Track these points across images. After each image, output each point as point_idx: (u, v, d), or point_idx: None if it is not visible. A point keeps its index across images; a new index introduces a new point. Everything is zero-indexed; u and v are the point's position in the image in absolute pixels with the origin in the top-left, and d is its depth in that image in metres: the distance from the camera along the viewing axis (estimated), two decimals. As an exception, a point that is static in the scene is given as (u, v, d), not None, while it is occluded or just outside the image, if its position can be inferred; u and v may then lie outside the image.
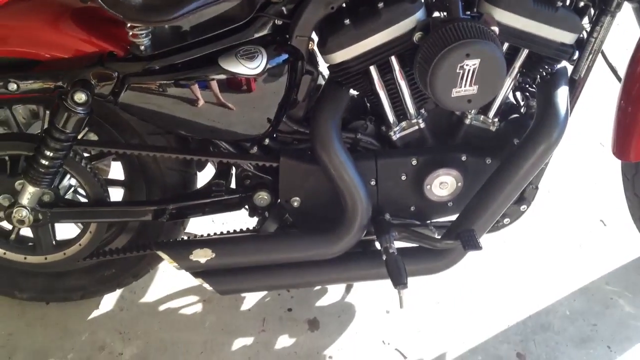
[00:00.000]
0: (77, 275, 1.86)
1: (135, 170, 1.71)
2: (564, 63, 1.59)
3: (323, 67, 1.58)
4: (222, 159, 1.62)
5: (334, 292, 1.96)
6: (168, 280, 2.01)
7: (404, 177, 1.63)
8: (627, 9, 1.61)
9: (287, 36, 1.48)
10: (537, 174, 1.68)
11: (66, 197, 1.69)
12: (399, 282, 1.49)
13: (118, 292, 1.97)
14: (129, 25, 1.40)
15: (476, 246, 1.52)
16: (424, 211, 1.70)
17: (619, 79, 1.68)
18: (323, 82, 1.63)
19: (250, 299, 1.95)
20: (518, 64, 1.54)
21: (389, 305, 1.92)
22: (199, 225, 1.93)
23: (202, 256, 1.59)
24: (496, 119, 1.63)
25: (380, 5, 1.44)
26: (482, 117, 1.63)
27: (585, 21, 1.56)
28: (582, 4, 1.53)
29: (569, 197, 2.23)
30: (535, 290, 1.95)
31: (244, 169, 1.66)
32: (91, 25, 1.46)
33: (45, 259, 1.74)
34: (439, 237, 1.63)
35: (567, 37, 1.50)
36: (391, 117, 1.59)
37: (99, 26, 1.46)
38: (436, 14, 1.51)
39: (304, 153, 1.63)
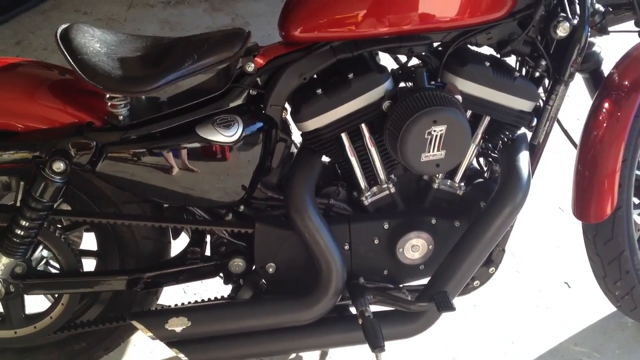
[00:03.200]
0: (46, 349, 1.81)
1: (109, 240, 1.71)
2: (524, 130, 1.68)
3: (296, 135, 1.64)
4: (198, 226, 1.64)
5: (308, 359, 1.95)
6: (140, 354, 1.97)
7: (376, 241, 1.67)
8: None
9: (262, 105, 1.54)
10: (504, 237, 1.75)
11: (38, 268, 1.67)
12: (377, 345, 1.50)
13: (88, 367, 1.92)
14: (108, 96, 1.44)
15: (450, 307, 1.55)
16: (397, 274, 1.73)
17: (574, 145, 1.78)
18: (296, 150, 1.68)
19: (224, 370, 1.92)
20: (481, 130, 1.62)
21: (364, 372, 1.91)
22: (172, 297, 1.92)
23: (178, 325, 1.58)
24: (462, 184, 1.70)
25: (350, 75, 1.52)
26: (449, 182, 1.69)
27: (542, 90, 1.67)
28: (537, 74, 1.63)
29: (533, 260, 2.29)
30: (506, 354, 1.98)
31: (219, 236, 1.68)
32: (70, 97, 1.50)
33: (15, 333, 1.70)
34: (413, 299, 1.66)
35: (525, 105, 1.59)
36: (362, 182, 1.65)
37: (78, 97, 1.51)
38: (403, 84, 1.60)
39: (278, 219, 1.66)
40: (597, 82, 1.80)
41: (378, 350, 1.51)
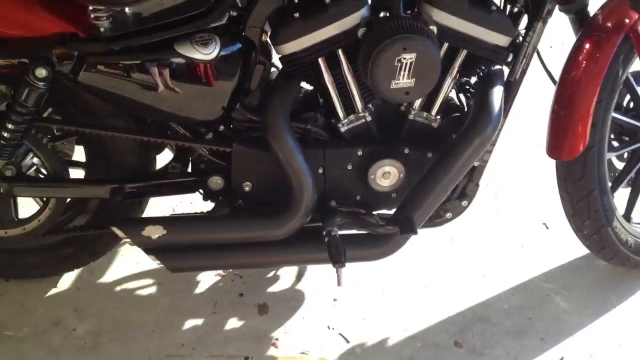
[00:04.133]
0: (36, 252, 1.93)
1: (96, 152, 1.79)
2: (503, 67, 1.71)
3: (277, 60, 1.68)
4: (178, 142, 1.71)
5: (285, 280, 2.04)
6: (126, 264, 2.09)
7: (349, 167, 1.73)
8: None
9: (241, 27, 1.58)
10: (477, 171, 1.79)
11: (28, 174, 1.77)
12: (338, 261, 1.58)
13: (77, 273, 2.04)
14: (90, 8, 1.49)
15: (412, 230, 1.62)
16: (369, 201, 1.79)
17: (554, 82, 1.80)
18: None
19: (204, 284, 2.03)
20: (457, 64, 1.65)
21: (336, 294, 2.00)
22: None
23: (153, 232, 1.67)
24: (438, 117, 1.73)
25: (328, 0, 1.54)
26: (425, 114, 1.73)
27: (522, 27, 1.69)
28: (515, 9, 1.64)
29: (515, 201, 2.34)
30: (476, 285, 2.05)
31: (200, 154, 1.75)
32: (56, 8, 1.55)
33: (6, 232, 1.80)
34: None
35: (500, 40, 1.61)
36: (340, 109, 1.69)
37: (64, 8, 1.55)
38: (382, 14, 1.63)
39: (256, 140, 1.71)
40: (582, 23, 1.79)
41: (338, 266, 1.58)
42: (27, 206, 1.89)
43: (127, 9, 1.55)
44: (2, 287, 1.99)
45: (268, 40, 1.64)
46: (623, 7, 1.71)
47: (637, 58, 1.77)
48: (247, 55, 1.60)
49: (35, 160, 1.77)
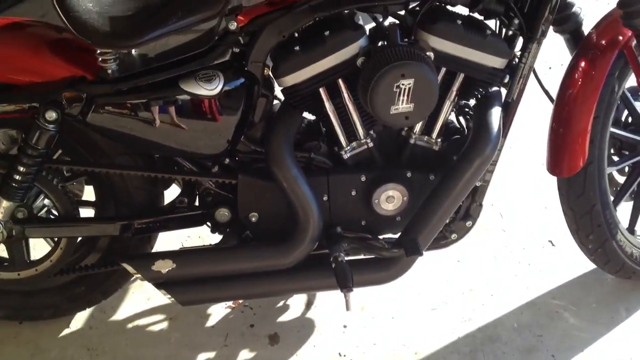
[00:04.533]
0: (48, 293, 1.95)
1: (105, 191, 1.83)
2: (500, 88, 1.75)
3: (279, 93, 1.72)
4: (185, 177, 1.75)
5: (294, 309, 2.06)
6: (137, 300, 2.10)
7: (354, 193, 1.76)
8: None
9: (244, 62, 1.63)
10: (479, 191, 1.82)
11: (39, 215, 1.80)
12: (345, 286, 1.60)
13: (89, 312, 2.06)
14: (98, 51, 1.54)
15: (417, 252, 1.64)
16: (374, 225, 1.81)
17: (552, 100, 1.84)
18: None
19: (215, 316, 2.04)
20: (455, 87, 1.69)
21: (346, 321, 2.02)
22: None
23: (163, 267, 1.69)
24: (439, 140, 1.77)
25: (327, 33, 1.59)
26: (425, 138, 1.76)
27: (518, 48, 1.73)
28: (511, 32, 1.69)
29: (520, 220, 2.36)
30: (485, 305, 2.06)
31: (206, 187, 1.78)
32: (65, 53, 1.61)
33: (19, 274, 1.83)
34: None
35: (497, 62, 1.65)
36: (342, 137, 1.72)
37: (72, 53, 1.61)
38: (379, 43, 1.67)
39: (261, 171, 1.75)
40: (577, 42, 1.84)
41: (346, 291, 1.61)
42: (37, 247, 1.92)
43: (133, 51, 1.60)
44: (15, 329, 2.01)
45: (270, 73, 1.68)
46: (616, 25, 1.75)
47: (633, 74, 1.81)
48: (250, 89, 1.65)
49: (46, 201, 1.81)
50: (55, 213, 1.82)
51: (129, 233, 1.75)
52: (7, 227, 1.69)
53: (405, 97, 1.55)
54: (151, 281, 1.72)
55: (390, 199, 1.75)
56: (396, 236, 1.82)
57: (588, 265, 2.13)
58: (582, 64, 1.78)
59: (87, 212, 1.90)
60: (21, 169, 1.60)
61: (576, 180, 1.81)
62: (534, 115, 2.27)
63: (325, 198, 1.75)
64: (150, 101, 1.57)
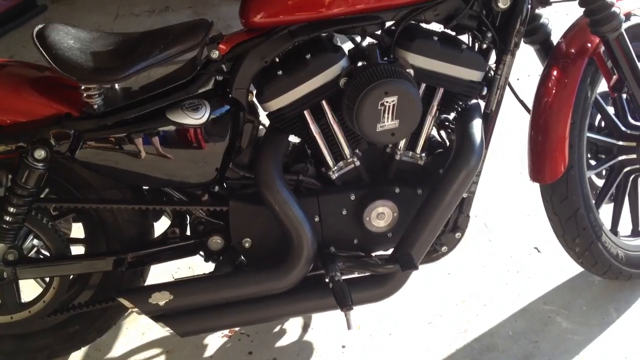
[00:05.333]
0: (42, 334, 1.92)
1: (94, 227, 1.82)
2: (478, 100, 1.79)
3: (264, 117, 1.75)
4: (175, 207, 1.75)
5: (292, 332, 2.06)
6: (132, 336, 2.08)
7: (344, 212, 1.78)
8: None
9: (228, 89, 1.65)
10: (466, 203, 1.86)
11: (29, 256, 1.78)
12: (345, 304, 1.61)
13: (83, 351, 2.03)
14: (83, 87, 1.56)
15: (413, 266, 1.66)
16: (366, 243, 1.83)
17: (528, 111, 1.89)
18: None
19: (212, 346, 2.03)
20: (436, 101, 1.73)
21: (344, 341, 2.02)
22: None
23: (161, 299, 1.69)
24: (423, 154, 1.80)
25: (308, 56, 1.63)
26: (410, 153, 1.80)
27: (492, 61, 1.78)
28: (485, 46, 1.74)
29: (505, 230, 2.40)
30: (479, 316, 2.08)
31: (197, 216, 1.79)
32: (49, 91, 1.62)
33: (11, 318, 1.80)
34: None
35: (474, 75, 1.70)
36: (328, 158, 1.75)
37: (57, 91, 1.62)
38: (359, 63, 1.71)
39: (251, 196, 1.76)
40: (547, 52, 1.91)
41: (346, 309, 1.61)
42: (26, 289, 1.90)
43: (117, 85, 1.62)
44: (9, 374, 1.97)
45: (254, 99, 1.71)
46: (584, 33, 1.82)
47: (603, 79, 1.87)
48: (236, 116, 1.67)
49: (36, 241, 1.80)
50: (45, 253, 1.81)
51: (123, 267, 1.74)
52: (-2, 268, 1.67)
53: (390, 114, 1.59)
54: (149, 314, 1.71)
55: (380, 215, 1.77)
56: (388, 253, 1.84)
57: (575, 269, 2.17)
58: (555, 72, 1.84)
59: (76, 250, 1.89)
60: (11, 209, 1.59)
61: (559, 185, 1.86)
62: (503, 125, 2.32)
63: (316, 219, 1.76)
64: (139, 133, 1.58)
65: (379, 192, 1.77)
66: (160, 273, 2.16)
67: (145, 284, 1.91)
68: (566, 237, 1.96)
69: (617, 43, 1.78)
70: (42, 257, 1.83)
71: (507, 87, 1.79)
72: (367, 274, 1.79)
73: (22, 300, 1.82)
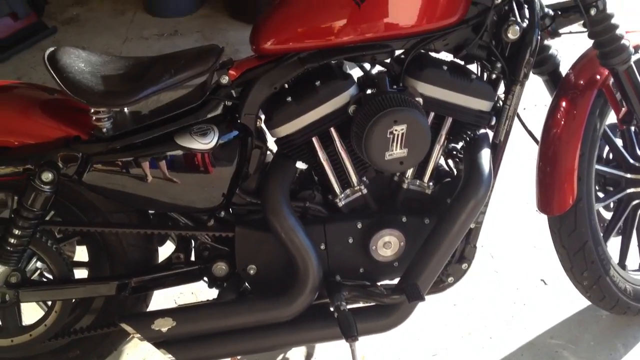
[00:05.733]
0: (42, 358, 1.89)
1: (98, 250, 1.80)
2: (487, 130, 1.79)
3: (272, 143, 1.74)
4: (181, 232, 1.74)
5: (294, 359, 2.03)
6: (132, 362, 2.06)
7: (351, 240, 1.76)
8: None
9: (237, 115, 1.65)
10: (474, 233, 1.84)
11: (32, 278, 1.77)
12: (350, 335, 1.59)
13: (83, 376, 2.00)
14: (92, 110, 1.56)
15: (419, 297, 1.64)
16: (372, 272, 1.81)
17: (536, 141, 1.88)
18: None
19: (213, 373, 2.00)
20: (444, 131, 1.73)
21: (348, 371, 1.99)
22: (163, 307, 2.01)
23: (163, 325, 1.67)
24: (431, 183, 1.79)
25: (317, 83, 1.63)
26: (418, 182, 1.79)
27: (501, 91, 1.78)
28: (494, 76, 1.74)
29: (511, 261, 2.38)
30: (485, 349, 2.05)
31: (202, 242, 1.78)
32: (59, 113, 1.62)
33: (12, 341, 1.78)
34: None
35: (483, 105, 1.70)
36: (336, 185, 1.74)
37: (66, 113, 1.62)
38: (368, 90, 1.71)
39: (257, 223, 1.75)
40: (555, 83, 1.90)
41: (351, 340, 1.59)
42: (27, 312, 1.88)
43: (126, 109, 1.62)
44: (7, 399, 1.94)
45: (262, 125, 1.70)
46: (593, 65, 1.82)
47: (612, 111, 1.86)
48: (244, 141, 1.66)
49: (39, 264, 1.78)
50: (49, 276, 1.80)
51: (126, 292, 1.73)
52: (0, 292, 1.66)
53: (399, 143, 1.58)
54: (151, 341, 1.69)
55: (387, 244, 1.75)
56: (395, 282, 1.82)
57: (582, 303, 2.14)
58: (564, 103, 1.84)
59: (80, 273, 1.87)
60: (17, 232, 1.58)
61: (567, 217, 1.84)
62: (509, 155, 2.31)
63: (322, 247, 1.75)
64: (147, 157, 1.58)
65: (385, 221, 1.76)
66: (162, 298, 2.14)
67: (148, 310, 1.89)
68: (574, 270, 1.94)
69: (626, 75, 1.78)
70: (45, 280, 1.81)
71: (516, 118, 1.79)
72: (372, 303, 1.77)
73: (24, 324, 1.80)
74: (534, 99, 2.45)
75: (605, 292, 1.96)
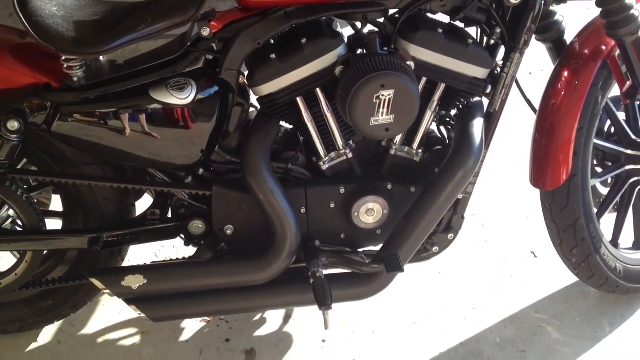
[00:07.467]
0: (15, 306, 1.88)
1: (72, 201, 1.75)
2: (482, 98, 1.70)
3: (255, 101, 1.66)
4: (157, 188, 1.68)
5: (271, 322, 2.00)
6: (108, 314, 2.03)
7: (332, 205, 1.70)
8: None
9: (218, 70, 1.56)
10: (462, 204, 1.78)
11: (3, 227, 1.72)
12: (324, 304, 1.55)
13: (57, 325, 1.98)
14: (63, 58, 1.48)
15: (398, 268, 1.59)
16: (353, 239, 1.76)
17: (534, 111, 1.79)
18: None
19: (189, 330, 1.98)
20: (436, 97, 1.64)
21: (325, 335, 1.96)
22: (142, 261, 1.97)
23: (134, 282, 1.63)
24: (420, 150, 1.72)
25: (304, 40, 1.53)
26: (406, 149, 1.71)
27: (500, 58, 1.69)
28: (493, 42, 1.64)
29: (502, 231, 2.32)
30: (467, 319, 2.01)
31: (179, 199, 1.72)
32: (29, 59, 1.54)
33: (-18, 288, 1.75)
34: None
35: (478, 72, 1.61)
36: (320, 148, 1.67)
37: (37, 60, 1.54)
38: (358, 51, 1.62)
39: (236, 182, 1.69)
40: (559, 51, 1.80)
41: (325, 309, 1.55)
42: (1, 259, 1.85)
43: (101, 57, 1.53)
44: (-21, 344, 1.93)
45: (245, 81, 1.62)
46: (599, 34, 1.71)
47: (616, 84, 1.77)
48: (225, 98, 1.58)
49: (11, 212, 1.73)
50: (21, 224, 1.75)
51: (98, 246, 1.68)
52: (-31, 240, 1.61)
53: (386, 109, 1.50)
54: (121, 297, 1.66)
55: (370, 211, 1.69)
56: (377, 248, 1.77)
57: (571, 278, 2.08)
58: (565, 73, 1.74)
59: (54, 223, 1.83)
60: (-18, 180, 1.52)
61: (560, 193, 1.77)
62: (513, 122, 2.23)
63: (303, 210, 1.69)
64: (119, 110, 1.51)
65: (370, 187, 1.69)
66: (143, 250, 2.10)
67: (123, 265, 1.85)
68: (563, 247, 1.88)
69: (633, 47, 1.67)
70: (16, 229, 1.77)
71: (514, 86, 1.69)
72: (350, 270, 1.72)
73: (-3, 270, 1.77)
74: (541, 63, 2.34)
75: (594, 270, 1.90)
